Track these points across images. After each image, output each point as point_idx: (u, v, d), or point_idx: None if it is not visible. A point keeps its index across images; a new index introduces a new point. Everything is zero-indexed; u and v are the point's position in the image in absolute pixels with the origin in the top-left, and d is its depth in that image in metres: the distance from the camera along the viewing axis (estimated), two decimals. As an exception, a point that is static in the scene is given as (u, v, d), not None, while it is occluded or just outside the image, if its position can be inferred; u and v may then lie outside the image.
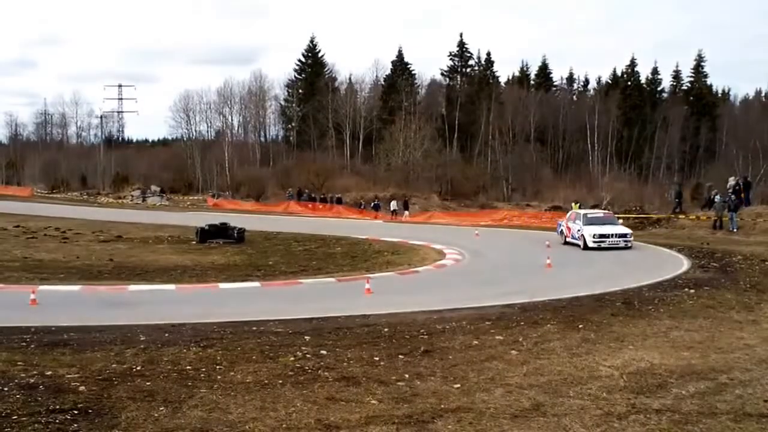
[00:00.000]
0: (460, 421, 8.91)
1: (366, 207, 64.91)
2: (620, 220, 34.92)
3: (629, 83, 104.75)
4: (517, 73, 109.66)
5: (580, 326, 15.26)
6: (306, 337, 13.97)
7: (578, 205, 57.13)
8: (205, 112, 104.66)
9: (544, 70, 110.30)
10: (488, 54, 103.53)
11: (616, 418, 9.09)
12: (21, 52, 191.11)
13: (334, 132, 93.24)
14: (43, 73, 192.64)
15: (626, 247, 31.06)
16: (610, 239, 31.38)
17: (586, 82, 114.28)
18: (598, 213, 36.18)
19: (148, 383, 10.43)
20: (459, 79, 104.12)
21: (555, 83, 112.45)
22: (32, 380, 10.43)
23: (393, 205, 63.60)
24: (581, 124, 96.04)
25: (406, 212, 60.96)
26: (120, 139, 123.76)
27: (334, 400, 9.76)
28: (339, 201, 68.09)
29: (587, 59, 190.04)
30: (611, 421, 8.98)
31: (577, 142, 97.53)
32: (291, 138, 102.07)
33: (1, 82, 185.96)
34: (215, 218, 43.59)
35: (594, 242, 31.40)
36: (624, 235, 31.61)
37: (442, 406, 9.58)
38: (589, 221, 33.27)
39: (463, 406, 9.57)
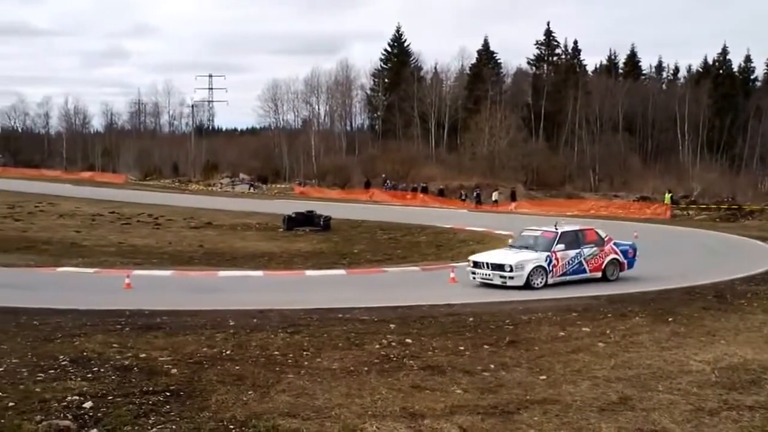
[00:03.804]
0: (545, 413, 8.86)
1: (468, 197, 64.10)
2: (560, 245, 20.88)
3: (721, 72, 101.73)
4: (604, 62, 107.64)
5: (670, 319, 14.99)
6: (391, 325, 14.06)
7: (671, 195, 55.98)
8: (293, 101, 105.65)
9: (632, 58, 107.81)
10: (575, 42, 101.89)
11: (707, 414, 8.92)
12: (115, 43, 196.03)
13: (419, 121, 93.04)
14: (137, 64, 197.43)
15: (503, 286, 20.00)
16: (482, 271, 20.75)
17: (676, 70, 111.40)
18: (535, 231, 22.66)
19: (237, 367, 10.65)
20: (545, 67, 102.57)
21: (644, 72, 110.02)
22: (127, 362, 10.76)
23: (494, 195, 63.09)
24: (671, 113, 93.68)
25: (513, 203, 60.12)
26: (210, 127, 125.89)
27: (419, 389, 9.81)
28: (441, 193, 67.38)
29: (677, 47, 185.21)
30: (702, 417, 8.82)
31: (666, 132, 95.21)
32: (376, 127, 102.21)
33: (98, 72, 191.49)
34: (302, 206, 44.12)
35: (471, 274, 21.11)
36: (500, 267, 20.24)
37: (528, 397, 9.54)
38: (515, 243, 22.64)
39: (549, 397, 9.51)
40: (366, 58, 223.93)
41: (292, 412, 8.63)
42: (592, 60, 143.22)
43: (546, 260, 20.60)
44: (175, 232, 35.94)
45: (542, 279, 20.46)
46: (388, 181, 72.53)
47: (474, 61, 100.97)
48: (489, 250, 22.46)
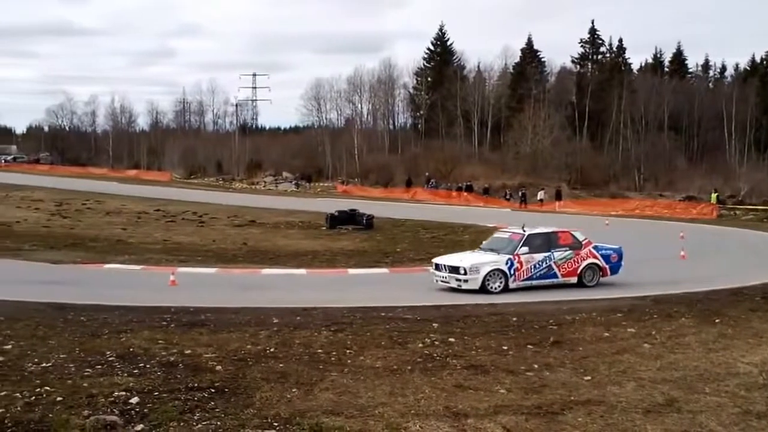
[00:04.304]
0: (590, 414, 8.79)
1: (513, 197, 63.59)
2: (524, 248, 19.96)
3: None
4: (650, 60, 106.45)
5: (717, 321, 14.79)
6: (434, 324, 14.06)
7: (717, 195, 55.26)
8: (336, 100, 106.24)
9: (678, 56, 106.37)
10: (620, 41, 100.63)
11: (755, 417, 8.78)
12: (161, 43, 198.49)
13: (462, 120, 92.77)
14: (182, 63, 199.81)
15: (458, 289, 19.32)
16: (441, 274, 20.08)
17: (723, 69, 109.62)
18: (505, 233, 22.05)
19: (281, 365, 10.71)
20: (590, 66, 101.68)
21: (690, 70, 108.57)
22: (172, 358, 10.87)
23: (540, 195, 62.73)
24: (718, 112, 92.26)
25: (558, 202, 59.60)
26: (254, 126, 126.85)
27: (463, 388, 9.78)
28: (486, 192, 66.63)
29: (724, 46, 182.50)
30: (749, 420, 8.68)
31: (713, 131, 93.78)
32: (419, 126, 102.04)
33: (143, 71, 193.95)
34: (345, 205, 44.20)
35: (434, 276, 20.55)
36: (456, 270, 19.53)
37: (572, 397, 9.47)
38: (485, 245, 21.69)
39: (594, 398, 9.43)
40: (409, 56, 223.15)
41: (335, 410, 8.66)
42: (637, 58, 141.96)
43: (507, 263, 19.72)
44: (219, 230, 36.22)
45: (500, 283, 19.55)
46: (432, 180, 72.34)
47: (517, 59, 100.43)
48: (463, 254, 21.33)
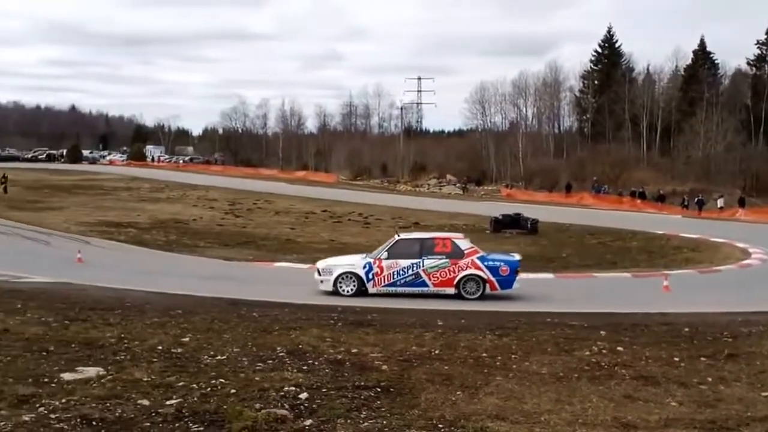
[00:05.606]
0: (769, 432, 8.36)
1: (689, 204, 61.26)
2: (386, 253, 19.57)
3: None
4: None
5: None
6: (602, 332, 13.72)
7: None
8: (500, 103, 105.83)
9: None
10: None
11: None
12: (329, 47, 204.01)
13: (630, 123, 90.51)
14: (349, 66, 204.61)
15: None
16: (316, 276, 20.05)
17: None
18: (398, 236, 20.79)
19: (445, 367, 10.72)
20: (767, 68, 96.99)
21: None
22: (339, 356, 11.08)
23: (720, 202, 60.29)
24: None
25: (741, 209, 57.00)
26: (418, 129, 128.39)
27: (632, 399, 9.49)
28: (662, 199, 64.49)
29: None
30: None
31: None
32: (585, 129, 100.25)
33: (312, 75, 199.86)
34: (508, 208, 43.89)
35: None
36: (317, 271, 19.76)
37: (749, 414, 9.01)
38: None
39: (773, 416, 8.96)
40: (575, 59, 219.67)
41: (500, 415, 8.56)
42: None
43: (364, 267, 19.29)
44: (384, 231, 36.69)
45: (353, 287, 19.13)
46: (604, 187, 70.59)
47: (689, 61, 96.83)
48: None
